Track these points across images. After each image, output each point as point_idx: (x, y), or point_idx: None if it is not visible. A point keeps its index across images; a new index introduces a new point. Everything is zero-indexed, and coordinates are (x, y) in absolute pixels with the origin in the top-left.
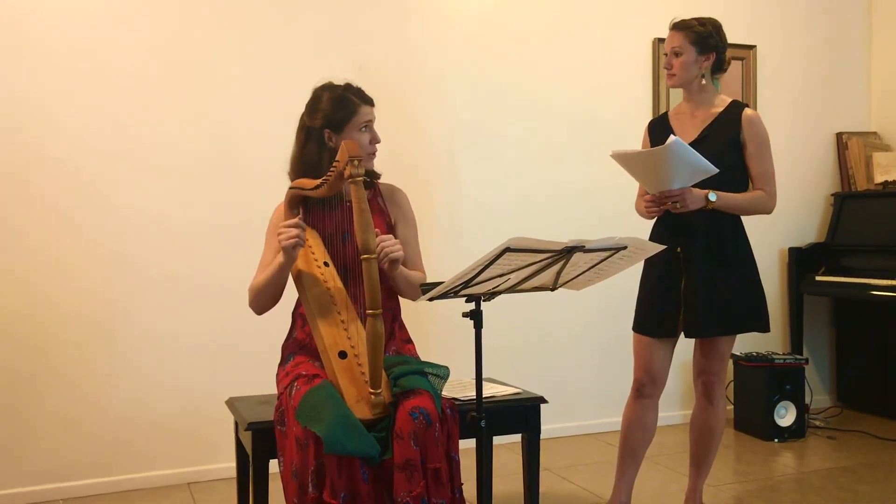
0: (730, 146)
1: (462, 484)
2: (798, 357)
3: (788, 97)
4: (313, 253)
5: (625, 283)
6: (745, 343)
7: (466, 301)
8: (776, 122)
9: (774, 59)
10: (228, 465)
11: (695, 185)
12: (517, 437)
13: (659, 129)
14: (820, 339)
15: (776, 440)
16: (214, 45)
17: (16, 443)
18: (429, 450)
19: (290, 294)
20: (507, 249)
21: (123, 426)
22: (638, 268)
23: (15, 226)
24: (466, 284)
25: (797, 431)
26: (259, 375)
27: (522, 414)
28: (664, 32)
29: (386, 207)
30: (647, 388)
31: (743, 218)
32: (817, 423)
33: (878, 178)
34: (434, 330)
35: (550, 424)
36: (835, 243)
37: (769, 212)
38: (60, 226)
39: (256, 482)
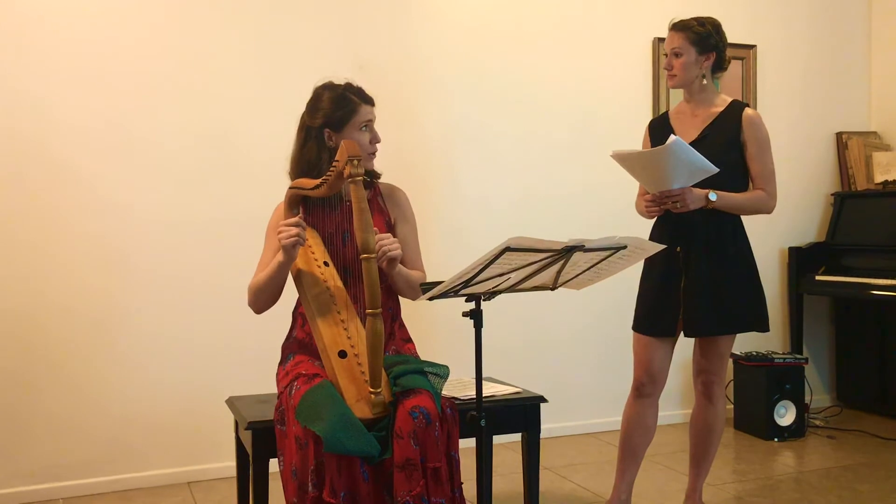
0: (730, 146)
1: (462, 483)
2: (798, 356)
3: (788, 97)
4: (313, 252)
5: (625, 283)
6: (745, 342)
7: (466, 300)
8: (776, 121)
9: (774, 59)
10: (228, 465)
11: (695, 185)
12: (517, 437)
13: (659, 129)
14: (820, 339)
15: (776, 439)
16: (214, 45)
17: (16, 442)
18: (428, 449)
19: (290, 293)
20: (507, 249)
21: (123, 425)
22: (638, 267)
23: (14, 225)
24: (466, 284)
25: (797, 431)
26: (259, 375)
27: (522, 413)
28: (664, 32)
29: (386, 207)
30: (646, 387)
31: (743, 217)
32: (817, 422)
33: (878, 178)
34: (434, 329)
35: (550, 423)
36: (835, 243)
37: (769, 212)
38: (60, 225)
39: (256, 481)
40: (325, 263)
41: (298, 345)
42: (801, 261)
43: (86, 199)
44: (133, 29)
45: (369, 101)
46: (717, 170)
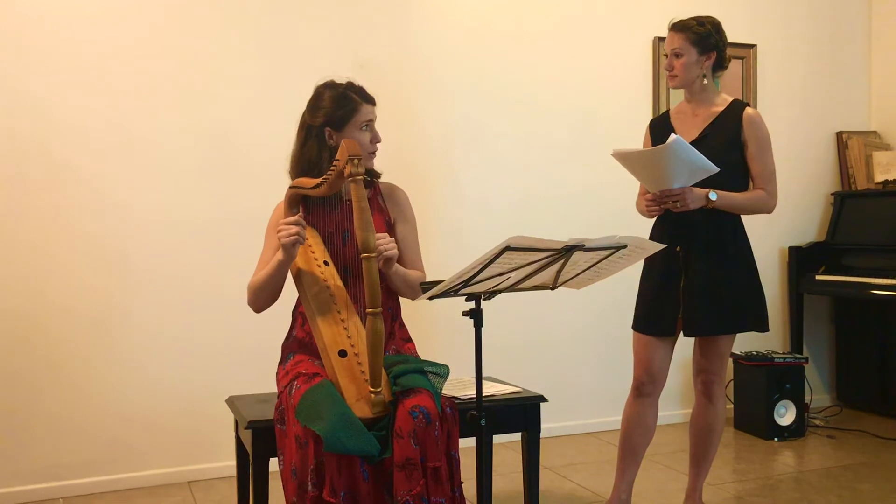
0: (730, 145)
1: (462, 483)
2: (798, 356)
3: (788, 96)
4: (313, 252)
5: (624, 282)
6: (745, 342)
7: (466, 300)
8: (776, 121)
9: (774, 59)
10: (228, 464)
11: (695, 185)
12: (517, 436)
13: (660, 128)
14: (820, 339)
15: (776, 439)
16: (214, 45)
17: (16, 441)
18: (428, 448)
19: (290, 292)
20: (507, 248)
21: (123, 425)
22: (638, 267)
23: (14, 225)
24: (466, 283)
25: (797, 430)
26: (259, 374)
27: (522, 412)
28: (664, 31)
29: (386, 206)
30: (646, 386)
31: (743, 217)
32: (817, 422)
33: (879, 178)
34: (434, 329)
35: (550, 423)
36: (835, 242)
37: (769, 211)
38: (60, 225)
39: (256, 481)
40: (325, 263)
41: (298, 344)
42: (801, 260)
43: (86, 199)
44: (133, 29)
45: (370, 101)
46: (717, 169)
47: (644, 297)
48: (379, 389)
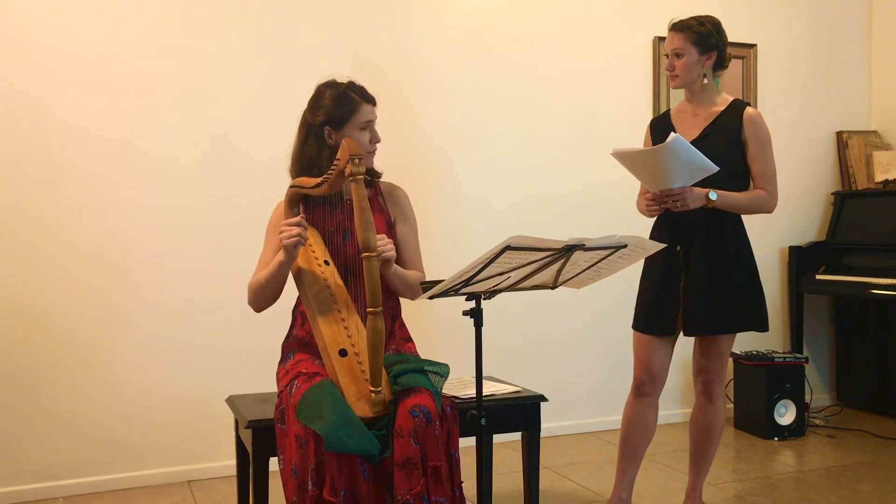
0: (731, 145)
1: (462, 482)
2: (798, 356)
3: (789, 96)
4: (313, 251)
5: (625, 282)
6: (745, 342)
7: (467, 299)
8: (776, 120)
9: (775, 58)
10: (228, 463)
11: (695, 184)
12: (517, 436)
13: (660, 128)
14: (820, 338)
15: (776, 439)
16: (214, 45)
17: (16, 440)
18: (429, 448)
19: (290, 292)
20: (508, 247)
21: (123, 424)
22: (638, 266)
23: (14, 225)
24: (467, 282)
25: (797, 430)
26: (259, 373)
27: (522, 412)
28: (664, 31)
29: (386, 206)
30: (646, 386)
31: (743, 217)
32: (817, 421)
33: (879, 177)
34: (434, 328)
35: (550, 423)
36: (835, 242)
37: (770, 211)
38: (60, 225)
39: (256, 480)
40: (326, 262)
41: (298, 343)
42: (801, 260)
43: (86, 199)
44: (133, 29)
45: (371, 101)
46: (717, 169)
47: (644, 297)
48: (379, 389)
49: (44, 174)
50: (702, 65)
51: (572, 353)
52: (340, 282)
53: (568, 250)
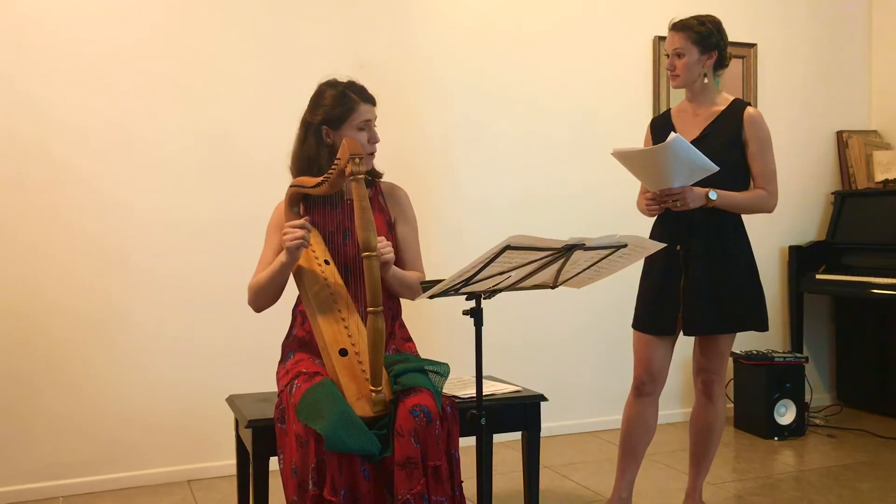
0: (731, 144)
1: (462, 482)
2: (798, 355)
3: (789, 95)
4: (314, 251)
5: (625, 282)
6: (745, 341)
7: (467, 299)
8: (776, 120)
9: (775, 58)
10: (228, 463)
11: (696, 184)
12: (517, 435)
13: (661, 127)
14: (820, 338)
15: (776, 438)
16: (214, 45)
17: (16, 440)
18: (429, 447)
19: (290, 291)
20: (508, 247)
21: (123, 424)
22: (638, 266)
23: (14, 225)
24: (467, 282)
25: (797, 429)
26: (259, 373)
27: (522, 412)
28: (664, 30)
29: (386, 206)
30: (646, 385)
31: (743, 216)
32: (817, 421)
33: (879, 177)
34: (434, 328)
35: (550, 422)
36: (835, 242)
37: (770, 211)
38: (60, 225)
39: (256, 480)
40: (326, 262)
41: (299, 343)
42: (801, 260)
43: (86, 199)
44: (133, 29)
45: (369, 100)
46: (717, 168)
47: (644, 297)
48: (379, 388)
49: (44, 174)
50: (703, 64)
51: (572, 353)
52: (341, 281)
53: (568, 250)
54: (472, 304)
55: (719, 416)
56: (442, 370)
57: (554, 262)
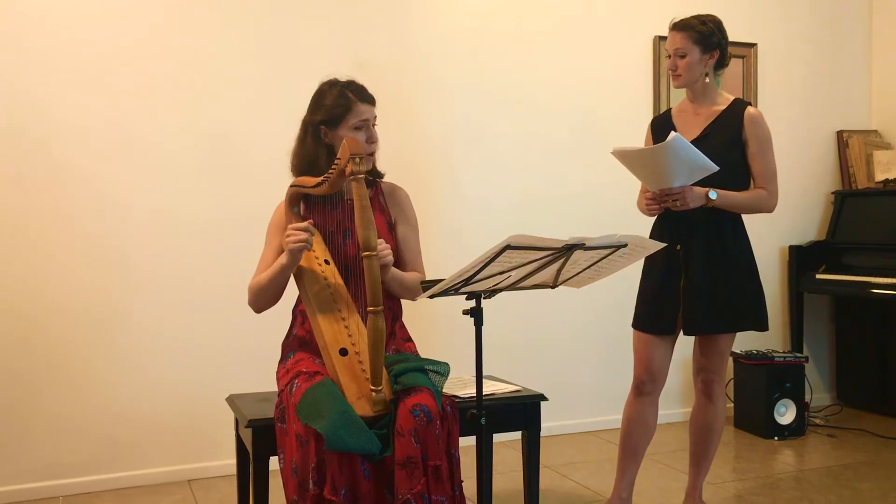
0: (732, 144)
1: (462, 481)
2: (798, 355)
3: (789, 95)
4: (314, 250)
5: (625, 281)
6: (745, 341)
7: (467, 298)
8: (777, 120)
9: (775, 57)
10: (229, 462)
11: (696, 184)
12: (517, 435)
13: (661, 127)
14: (820, 337)
15: (776, 438)
16: (214, 45)
17: (16, 440)
18: (429, 447)
19: (290, 291)
20: (508, 247)
21: (123, 423)
22: (638, 266)
23: (15, 225)
24: (467, 282)
25: (797, 429)
26: (259, 373)
27: (522, 411)
28: (664, 30)
29: (387, 206)
30: (646, 385)
31: (743, 216)
32: (817, 420)
33: (879, 177)
34: (434, 327)
35: (550, 422)
36: (835, 241)
37: (770, 211)
38: (60, 225)
39: (257, 479)
40: (326, 261)
41: (299, 342)
42: (801, 259)
43: (86, 199)
44: (133, 29)
45: (368, 100)
46: (716, 168)
47: (644, 296)
48: (380, 387)
49: (44, 174)
50: (704, 64)
51: (572, 353)
52: (341, 281)
53: (568, 249)
54: (472, 303)
55: (719, 415)
56: (442, 370)
57: (554, 261)
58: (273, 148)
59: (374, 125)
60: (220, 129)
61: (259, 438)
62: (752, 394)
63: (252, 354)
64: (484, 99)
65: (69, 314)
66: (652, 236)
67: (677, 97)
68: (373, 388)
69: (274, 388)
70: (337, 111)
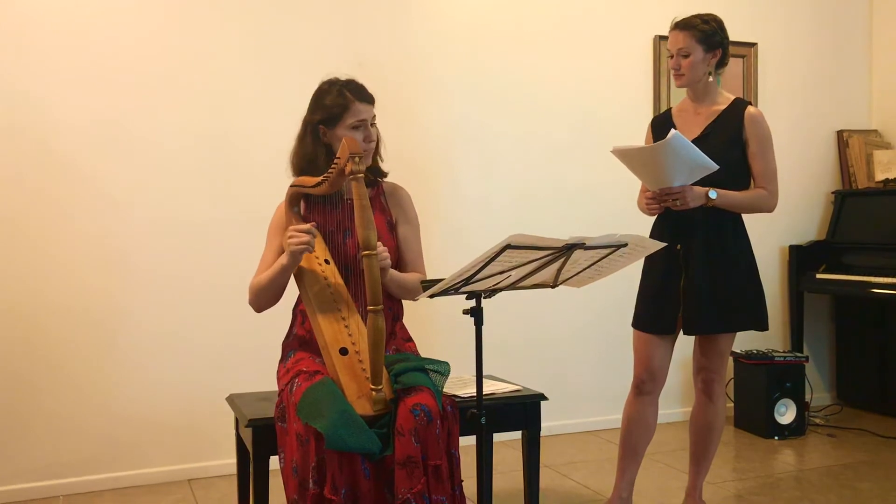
0: (732, 144)
1: (462, 481)
2: (798, 355)
3: (789, 95)
4: (314, 250)
5: (625, 281)
6: (746, 340)
7: (467, 298)
8: (777, 119)
9: (775, 57)
10: (229, 462)
11: (696, 183)
12: (517, 434)
13: (661, 126)
14: (820, 337)
15: (776, 438)
16: (214, 45)
17: (16, 439)
18: (429, 446)
19: (291, 291)
20: (508, 246)
21: (124, 423)
22: (638, 265)
23: (15, 224)
24: (467, 281)
25: (797, 429)
26: (259, 372)
27: (522, 411)
28: (665, 30)
29: (388, 206)
30: (646, 384)
31: (743, 216)
32: (817, 420)
33: (879, 176)
34: (434, 327)
35: (551, 421)
36: (835, 241)
37: (770, 210)
38: (60, 225)
39: (257, 479)
40: (326, 261)
41: (299, 342)
42: (801, 259)
43: (86, 198)
44: (133, 29)
45: (366, 100)
46: (717, 167)
47: (644, 296)
48: (380, 387)
49: (44, 174)
50: (707, 63)
51: (572, 352)
52: (341, 280)
53: (568, 249)
54: (473, 303)
55: (719, 415)
56: (442, 369)
57: (554, 261)
58: (273, 148)
59: (372, 125)
60: (220, 129)
61: (259, 438)
62: (753, 393)
63: (252, 354)
64: (484, 99)
65: (69, 314)
66: (652, 236)
67: (677, 97)
68: (373, 387)
69: (274, 387)
70: (335, 110)
